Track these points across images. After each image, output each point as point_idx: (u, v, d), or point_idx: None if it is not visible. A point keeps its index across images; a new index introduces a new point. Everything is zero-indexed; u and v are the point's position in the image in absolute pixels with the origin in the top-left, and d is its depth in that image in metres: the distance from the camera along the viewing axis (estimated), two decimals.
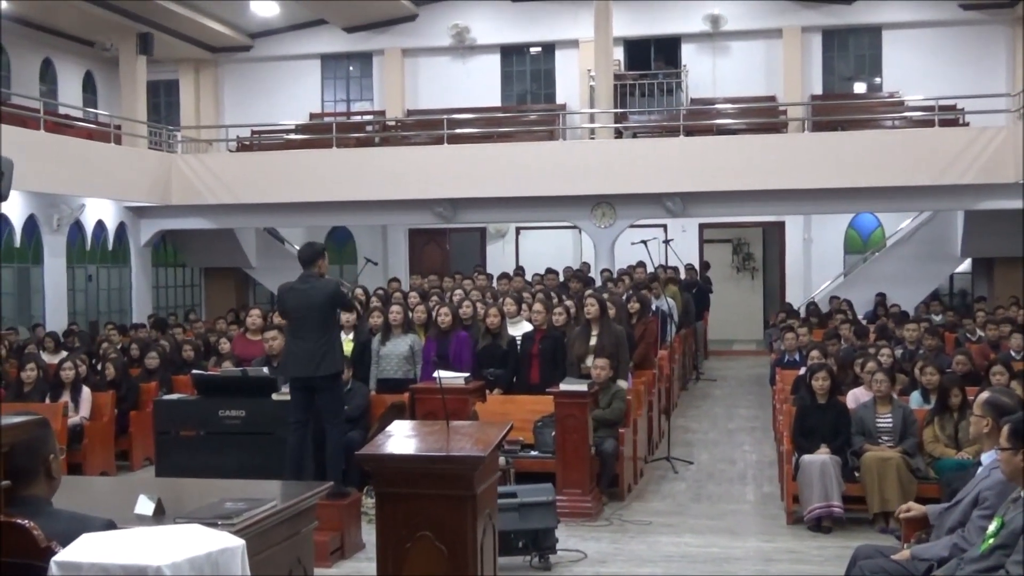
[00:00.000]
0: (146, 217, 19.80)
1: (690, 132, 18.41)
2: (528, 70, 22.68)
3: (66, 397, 11.02)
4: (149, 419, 10.54)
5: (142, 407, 11.71)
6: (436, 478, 4.89)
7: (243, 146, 21.25)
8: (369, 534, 7.73)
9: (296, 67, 23.13)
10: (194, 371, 10.36)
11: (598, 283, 16.10)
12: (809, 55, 21.35)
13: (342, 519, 7.81)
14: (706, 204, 17.91)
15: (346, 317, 10.27)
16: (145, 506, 4.30)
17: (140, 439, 11.57)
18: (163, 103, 23.77)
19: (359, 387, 9.87)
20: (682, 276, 18.28)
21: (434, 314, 11.06)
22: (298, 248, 8.76)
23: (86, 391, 11.21)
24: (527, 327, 11.06)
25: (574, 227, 20.42)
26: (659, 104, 21.20)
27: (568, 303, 11.72)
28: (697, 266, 20.92)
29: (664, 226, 20.46)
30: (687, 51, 21.88)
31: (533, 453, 9.50)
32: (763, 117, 19.73)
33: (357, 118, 22.84)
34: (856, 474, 8.69)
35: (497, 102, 22.33)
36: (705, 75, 21.61)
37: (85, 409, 11.10)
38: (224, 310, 19.93)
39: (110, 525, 3.55)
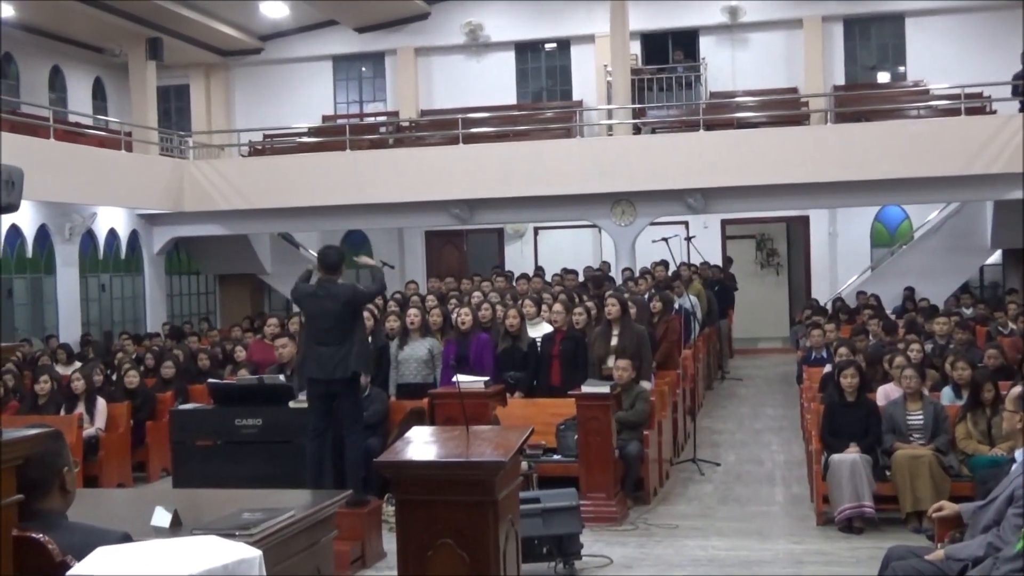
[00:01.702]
0: (159, 224, 19.88)
1: (710, 126, 18.35)
2: (543, 67, 22.67)
3: (81, 409, 11.07)
4: (165, 429, 10.59)
5: (158, 417, 11.75)
6: (457, 484, 4.89)
7: (255, 150, 21.31)
8: (390, 542, 7.72)
9: (307, 69, 23.19)
10: (210, 380, 10.41)
11: (619, 282, 16.07)
12: (830, 45, 21.27)
13: (362, 527, 7.82)
14: (728, 200, 17.86)
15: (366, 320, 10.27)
16: (162, 518, 4.31)
17: (157, 450, 11.61)
18: (174, 108, 23.86)
19: (377, 393, 9.87)
20: (703, 272, 18.25)
21: (453, 317, 11.06)
22: (318, 253, 8.79)
23: (101, 402, 11.26)
24: (547, 328, 11.05)
25: (593, 226, 20.40)
26: (678, 98, 21.15)
27: (588, 303, 11.70)
28: (720, 263, 20.86)
29: (685, 223, 20.40)
30: (705, 44, 21.83)
31: (556, 457, 9.50)
32: (784, 109, 19.66)
33: (370, 119, 22.88)
34: (887, 473, 8.65)
35: (513, 100, 22.33)
36: (724, 68, 21.55)
37: (100, 420, 11.14)
38: (239, 317, 19.99)
39: (126, 538, 3.56)
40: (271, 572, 3.55)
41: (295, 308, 9.16)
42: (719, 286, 18.43)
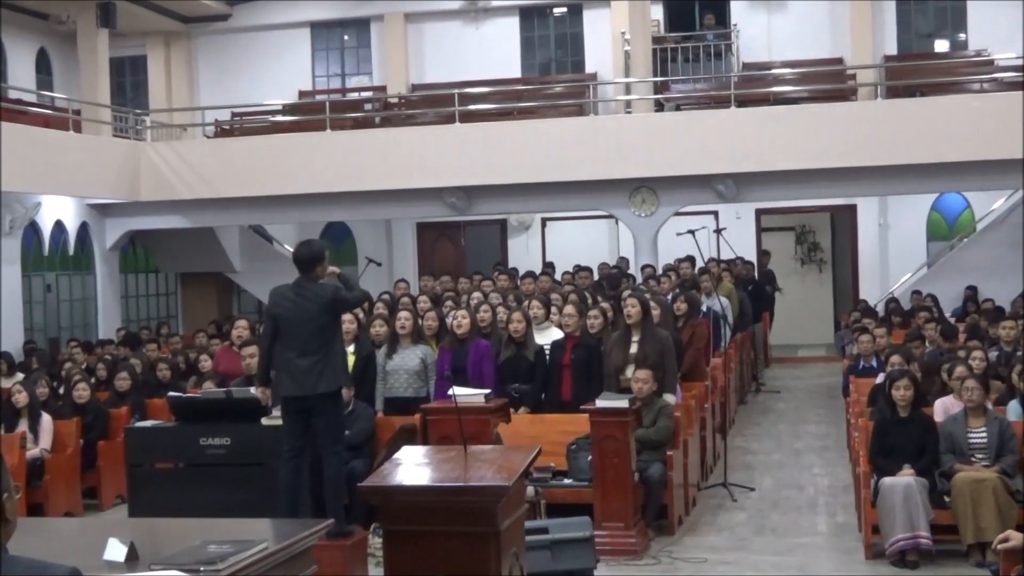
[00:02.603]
0: (112, 216, 19.89)
1: (743, 103, 18.34)
2: (552, 35, 22.67)
3: (23, 427, 11.08)
4: (120, 450, 10.59)
5: (111, 436, 11.75)
6: (453, 513, 4.89)
7: (222, 131, 21.30)
8: None
9: (282, 38, 23.20)
10: (170, 393, 10.40)
11: (639, 281, 16.07)
12: (881, 10, 21.24)
13: (345, 562, 7.82)
14: (763, 186, 17.84)
15: (344, 328, 10.27)
16: (116, 551, 4.31)
17: (110, 473, 11.61)
18: (129, 83, 23.88)
19: (362, 408, 9.88)
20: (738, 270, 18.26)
21: (449, 321, 11.05)
22: (292, 249, 8.79)
23: (46, 419, 11.26)
24: (557, 334, 11.05)
25: (610, 216, 20.38)
26: (706, 71, 21.13)
27: (604, 305, 11.69)
28: (755, 258, 20.86)
29: (715, 213, 20.38)
30: (737, 9, 21.81)
31: (566, 481, 9.50)
32: (828, 83, 19.64)
33: (354, 95, 22.89)
34: (946, 499, 8.64)
35: (517, 73, 22.33)
36: (759, 36, 21.53)
37: (46, 440, 11.15)
38: (204, 322, 20.00)
39: (75, 573, 3.56)
40: None
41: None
42: (753, 285, 18.42)
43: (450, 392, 7.89)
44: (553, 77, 22.20)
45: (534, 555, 6.94)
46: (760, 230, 22.20)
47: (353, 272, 8.56)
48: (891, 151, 16.87)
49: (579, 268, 16.93)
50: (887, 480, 8.62)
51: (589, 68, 22.20)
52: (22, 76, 21.77)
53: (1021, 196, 20.20)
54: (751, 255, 20.77)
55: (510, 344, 10.78)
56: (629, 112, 19.28)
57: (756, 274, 19.35)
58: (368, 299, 10.27)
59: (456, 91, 19.23)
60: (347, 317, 10.00)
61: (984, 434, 8.87)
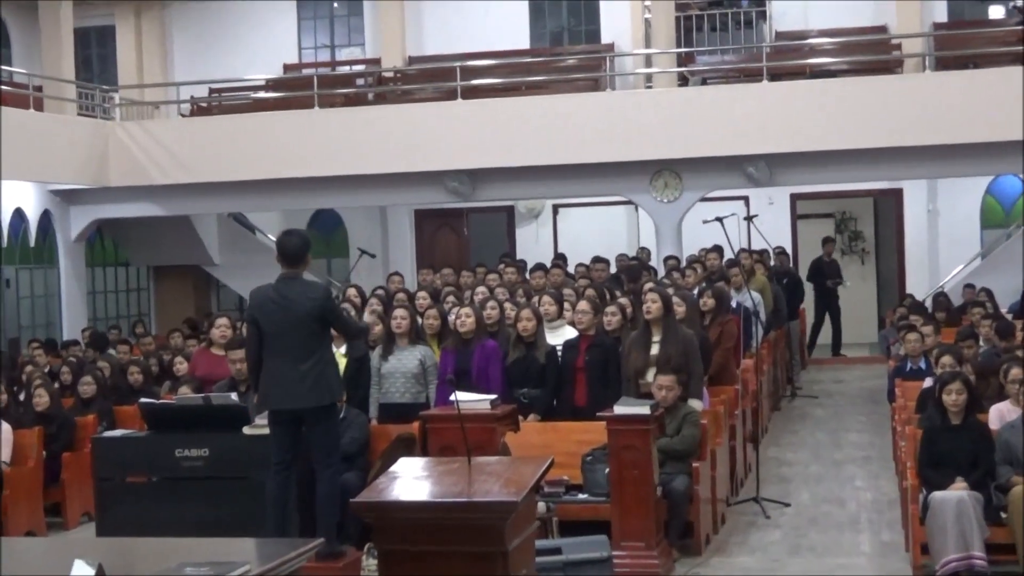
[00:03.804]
0: (77, 203, 19.90)
1: (776, 76, 18.31)
2: (565, 1, 22.64)
3: None
4: (87, 462, 10.60)
5: (77, 447, 11.76)
6: (456, 531, 4.89)
7: (199, 109, 21.30)
8: None
9: (265, 6, 23.17)
10: (142, 399, 10.40)
11: (661, 274, 16.06)
12: None
13: None
14: (799, 168, 17.82)
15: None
16: (83, 573, 4.32)
17: (76, 488, 11.62)
18: (95, 56, 23.89)
19: (355, 416, 9.88)
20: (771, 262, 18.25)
21: (451, 319, 11.05)
22: (276, 239, 8.79)
23: (6, 428, 11.26)
24: (570, 333, 11.05)
25: (628, 203, 20.38)
26: (735, 41, 21.12)
27: (622, 301, 11.69)
28: (790, 248, 20.84)
29: (745, 198, 20.36)
30: None
31: (581, 496, 9.51)
32: (870, 54, 19.61)
33: (345, 69, 22.87)
34: (1002, 515, 8.64)
35: (526, 44, 22.29)
36: (794, 2, 21.49)
37: (5, 451, 11.15)
38: (180, 320, 20.00)
39: None
40: None
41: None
42: (788, 278, 18.41)
43: (452, 397, 7.89)
44: (565, 48, 22.17)
45: None
46: (795, 217, 22.18)
47: (344, 265, 8.55)
48: (941, 129, 16.83)
49: (595, 260, 16.91)
50: (937, 495, 8.61)
51: (605, 38, 22.15)
52: None
53: None
54: (787, 243, 20.76)
55: (519, 344, 10.78)
56: (650, 87, 19.25)
57: (792, 264, 19.35)
58: (367, 333, 10.28)
59: (458, 64, 19.18)
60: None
61: None
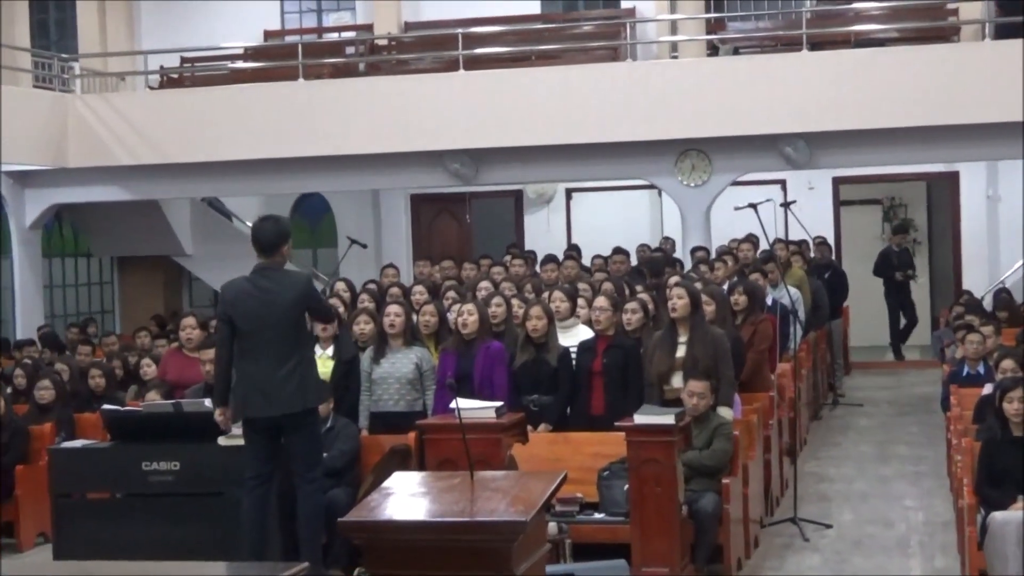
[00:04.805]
0: (32, 186, 19.90)
1: (817, 45, 18.29)
2: None
3: None
4: (43, 476, 10.59)
5: (32, 460, 11.76)
6: (457, 555, 4.89)
7: (170, 80, 21.30)
8: None
9: None
10: (105, 406, 10.41)
11: (687, 267, 16.06)
12: None
13: None
14: (842, 149, 17.78)
15: (321, 326, 10.29)
16: None
17: (30, 505, 11.62)
18: (53, 22, 23.90)
19: (343, 425, 9.90)
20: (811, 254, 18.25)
21: (451, 318, 11.05)
22: (253, 225, 8.79)
23: None
24: (586, 333, 11.06)
25: (651, 187, 20.37)
26: (771, 6, 21.11)
27: (644, 296, 11.68)
28: (833, 238, 20.83)
29: (782, 183, 20.36)
30: None
31: (597, 516, 9.51)
32: (923, 20, 19.57)
33: (333, 36, 22.87)
34: None
35: (536, 8, 22.29)
36: None
37: None
38: (148, 318, 20.03)
39: None
40: None
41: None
42: (830, 272, 18.40)
43: (452, 405, 7.89)
44: (581, 13, 22.17)
45: None
46: (838, 203, 22.17)
47: (332, 256, 8.59)
48: (1002, 104, 16.78)
49: (613, 251, 16.92)
50: (997, 515, 8.60)
51: (625, 3, 22.13)
52: None
53: None
54: (828, 233, 20.73)
55: (527, 346, 10.77)
56: (675, 57, 19.24)
57: (834, 256, 19.35)
58: (340, 320, 10.36)
59: (460, 31, 19.17)
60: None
61: None
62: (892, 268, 20.42)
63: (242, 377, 8.50)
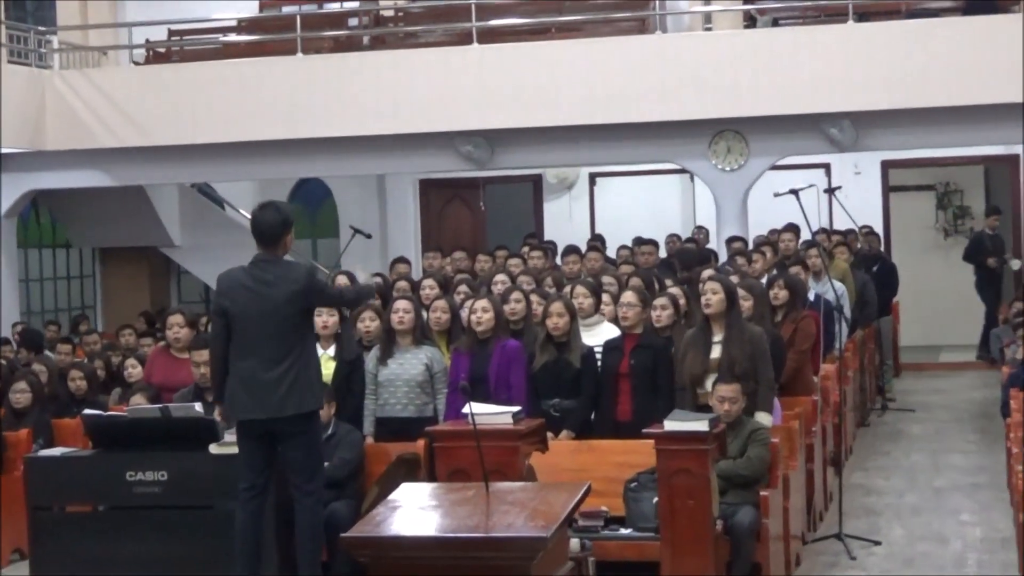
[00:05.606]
0: (7, 171, 19.91)
1: (864, 15, 18.27)
2: None
3: None
4: (18, 487, 10.61)
5: (7, 469, 11.77)
6: (470, 574, 4.88)
7: (156, 56, 21.33)
8: None
9: None
10: (87, 411, 10.42)
11: (722, 259, 16.05)
12: None
13: None
14: (891, 130, 17.75)
15: (322, 322, 10.27)
16: None
17: (5, 519, 11.61)
18: None
19: (346, 432, 9.91)
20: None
21: (464, 314, 11.04)
22: (252, 213, 8.79)
23: None
24: (611, 332, 11.06)
25: (682, 171, 20.37)
26: None
27: (674, 291, 11.67)
28: (881, 227, 20.80)
29: (826, 167, 20.34)
30: None
31: (624, 531, 9.50)
32: None
33: (334, 6, 22.87)
34: None
35: None
36: None
37: None
38: (133, 315, 20.07)
39: None
40: None
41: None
42: (879, 264, 18.37)
43: (466, 410, 7.89)
44: None
45: None
46: (887, 189, 22.15)
47: (333, 247, 8.58)
48: None
49: (640, 242, 16.91)
50: None
51: None
52: None
53: None
54: (876, 222, 20.70)
55: (548, 345, 10.76)
56: (709, 29, 19.22)
57: (883, 247, 19.32)
58: (371, 295, 10.30)
59: (473, 1, 19.18)
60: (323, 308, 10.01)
61: None
62: (986, 253, 20.32)
63: (232, 374, 8.52)
